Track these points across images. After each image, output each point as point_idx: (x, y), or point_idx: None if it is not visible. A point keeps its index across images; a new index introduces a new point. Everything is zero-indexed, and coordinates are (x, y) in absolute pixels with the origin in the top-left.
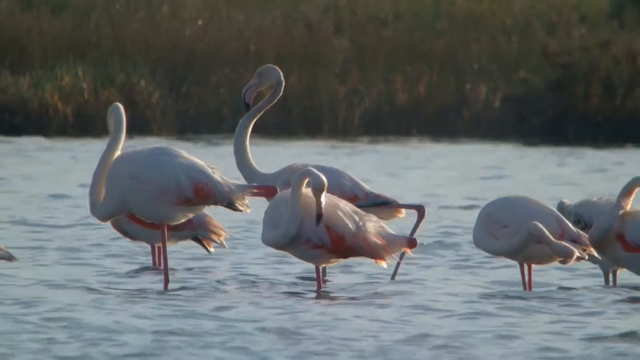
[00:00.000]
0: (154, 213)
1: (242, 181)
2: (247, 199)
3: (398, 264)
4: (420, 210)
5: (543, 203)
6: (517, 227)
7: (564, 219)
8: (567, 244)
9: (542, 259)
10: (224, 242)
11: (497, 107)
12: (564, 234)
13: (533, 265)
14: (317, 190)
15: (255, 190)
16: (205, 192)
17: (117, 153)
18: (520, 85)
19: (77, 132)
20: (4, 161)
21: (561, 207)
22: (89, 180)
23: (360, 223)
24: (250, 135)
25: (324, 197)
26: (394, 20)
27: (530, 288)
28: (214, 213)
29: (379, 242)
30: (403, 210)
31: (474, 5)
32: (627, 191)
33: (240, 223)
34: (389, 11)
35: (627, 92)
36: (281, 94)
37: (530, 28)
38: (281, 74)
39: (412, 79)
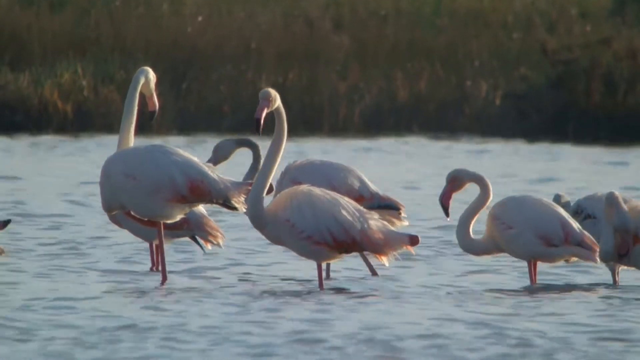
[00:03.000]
0: (148, 210)
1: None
2: (243, 197)
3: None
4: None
5: (548, 204)
6: (522, 229)
7: (570, 221)
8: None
9: (547, 259)
10: (221, 244)
11: (497, 104)
12: (568, 237)
13: (541, 264)
14: (260, 97)
15: (251, 188)
16: (201, 190)
17: (130, 133)
18: (520, 82)
19: (76, 130)
20: (5, 159)
21: (557, 200)
22: (86, 177)
23: (363, 220)
24: (248, 132)
25: (268, 108)
26: (395, 17)
27: (533, 282)
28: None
29: (381, 239)
30: (404, 220)
31: (474, 2)
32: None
33: (238, 222)
34: (389, 8)
35: (628, 89)
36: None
37: (531, 25)
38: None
39: (412, 75)
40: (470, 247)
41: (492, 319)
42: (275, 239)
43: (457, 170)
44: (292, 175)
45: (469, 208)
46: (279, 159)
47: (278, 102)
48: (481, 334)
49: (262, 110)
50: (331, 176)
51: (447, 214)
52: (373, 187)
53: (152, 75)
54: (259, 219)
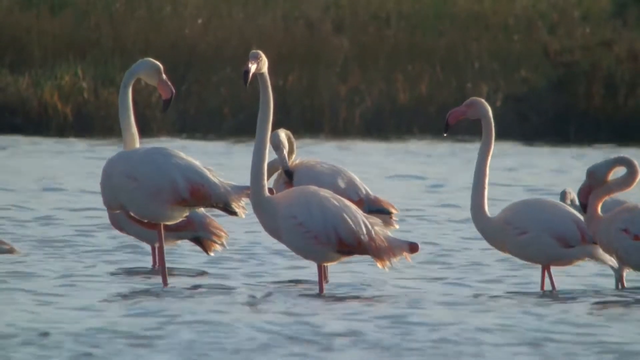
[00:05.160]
0: (148, 212)
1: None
2: (244, 202)
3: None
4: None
5: (560, 204)
6: (537, 232)
7: (583, 219)
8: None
9: (564, 261)
10: (225, 243)
11: (498, 107)
12: (584, 236)
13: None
14: (272, 145)
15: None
16: (201, 193)
17: (130, 132)
18: (521, 84)
19: (76, 132)
20: (7, 159)
21: (563, 195)
22: (87, 178)
23: (369, 225)
24: (248, 135)
25: (257, 66)
26: (395, 19)
27: (553, 288)
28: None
29: (385, 245)
30: (395, 224)
31: (475, 4)
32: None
33: (239, 224)
34: (390, 10)
35: (629, 92)
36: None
37: (532, 27)
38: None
39: (413, 78)
40: (481, 222)
41: (496, 322)
42: (271, 230)
43: (480, 101)
44: (284, 179)
45: (478, 165)
46: (269, 128)
47: (265, 68)
48: (484, 338)
49: (251, 64)
50: (320, 180)
51: (446, 130)
52: (364, 190)
53: (148, 66)
54: (258, 194)
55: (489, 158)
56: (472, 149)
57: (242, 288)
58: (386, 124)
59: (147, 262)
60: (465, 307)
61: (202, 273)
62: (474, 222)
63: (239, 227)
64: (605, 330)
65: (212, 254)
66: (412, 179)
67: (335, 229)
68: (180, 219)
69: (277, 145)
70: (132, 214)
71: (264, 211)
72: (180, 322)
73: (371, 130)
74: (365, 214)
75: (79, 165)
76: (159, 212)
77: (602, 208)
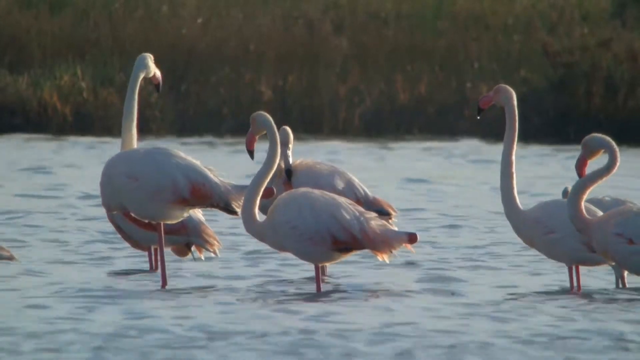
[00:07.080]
0: (149, 211)
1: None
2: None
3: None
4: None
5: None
6: (564, 234)
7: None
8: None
9: (589, 263)
10: (217, 252)
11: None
12: None
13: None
14: (280, 140)
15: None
16: (202, 193)
17: (131, 133)
18: (521, 84)
19: (76, 132)
20: (5, 158)
21: (565, 193)
22: (84, 178)
23: (363, 219)
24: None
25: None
26: (395, 20)
27: (579, 289)
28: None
29: (381, 237)
30: (394, 225)
31: (475, 4)
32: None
33: (237, 226)
34: (389, 10)
35: (629, 92)
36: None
37: (531, 27)
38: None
39: (413, 78)
40: (513, 214)
41: (499, 319)
42: (278, 246)
43: (505, 87)
44: (284, 179)
45: (503, 154)
46: (266, 180)
47: (264, 130)
48: (490, 337)
49: (251, 138)
50: (319, 180)
51: (479, 114)
52: (363, 190)
53: (148, 61)
54: (253, 230)
55: (514, 146)
56: (471, 151)
57: (240, 288)
58: (386, 124)
59: (146, 263)
60: (473, 307)
61: (201, 273)
62: (506, 213)
63: (236, 227)
64: (605, 330)
65: (202, 257)
66: (412, 179)
67: (328, 228)
68: (181, 219)
69: (285, 142)
70: (132, 215)
71: (262, 235)
72: (179, 322)
73: (371, 131)
74: (360, 209)
75: (77, 165)
76: (159, 212)
77: (602, 208)
